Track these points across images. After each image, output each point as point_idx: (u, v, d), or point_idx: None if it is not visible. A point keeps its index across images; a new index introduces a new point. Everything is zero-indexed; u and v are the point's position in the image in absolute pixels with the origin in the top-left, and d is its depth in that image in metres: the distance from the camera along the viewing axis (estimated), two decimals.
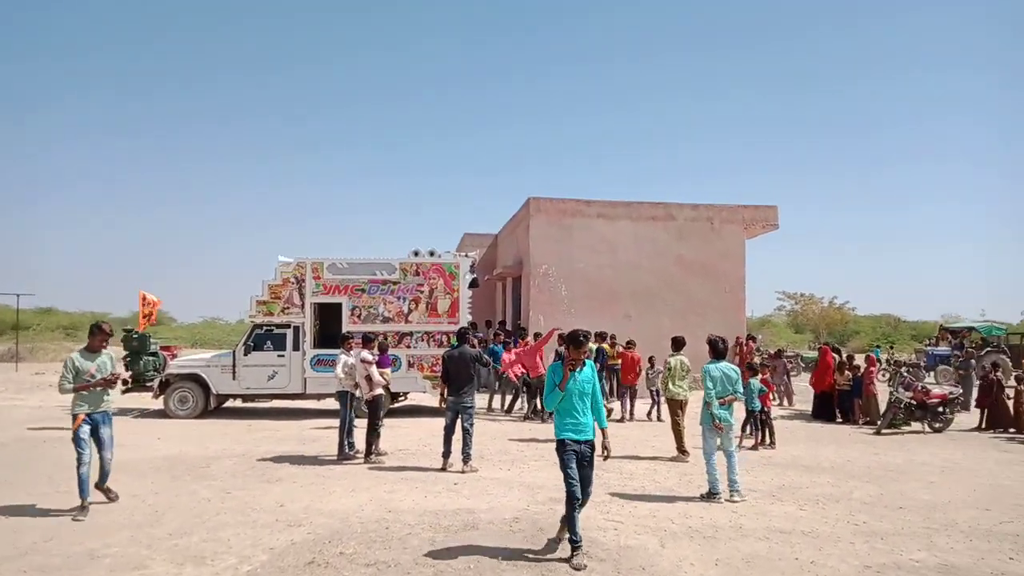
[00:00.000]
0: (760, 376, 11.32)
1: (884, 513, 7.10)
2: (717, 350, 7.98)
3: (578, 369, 5.43)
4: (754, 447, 10.81)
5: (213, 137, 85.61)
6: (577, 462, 5.39)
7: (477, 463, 9.22)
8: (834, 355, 15.24)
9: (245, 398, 13.55)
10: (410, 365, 13.37)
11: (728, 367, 7.78)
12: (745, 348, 18.90)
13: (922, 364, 26.95)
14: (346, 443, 9.40)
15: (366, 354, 9.17)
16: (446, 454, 8.76)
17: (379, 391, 9.19)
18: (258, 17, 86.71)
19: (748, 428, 11.02)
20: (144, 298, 13.90)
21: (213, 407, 13.14)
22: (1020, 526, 6.64)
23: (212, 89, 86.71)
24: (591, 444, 5.47)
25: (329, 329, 13.52)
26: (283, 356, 13.08)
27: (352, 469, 8.77)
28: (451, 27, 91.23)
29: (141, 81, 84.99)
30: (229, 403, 14.14)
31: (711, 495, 7.58)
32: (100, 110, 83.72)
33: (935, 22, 78.74)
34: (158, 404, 13.43)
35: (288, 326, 13.15)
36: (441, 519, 6.47)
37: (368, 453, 9.13)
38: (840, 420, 14.53)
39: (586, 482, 5.44)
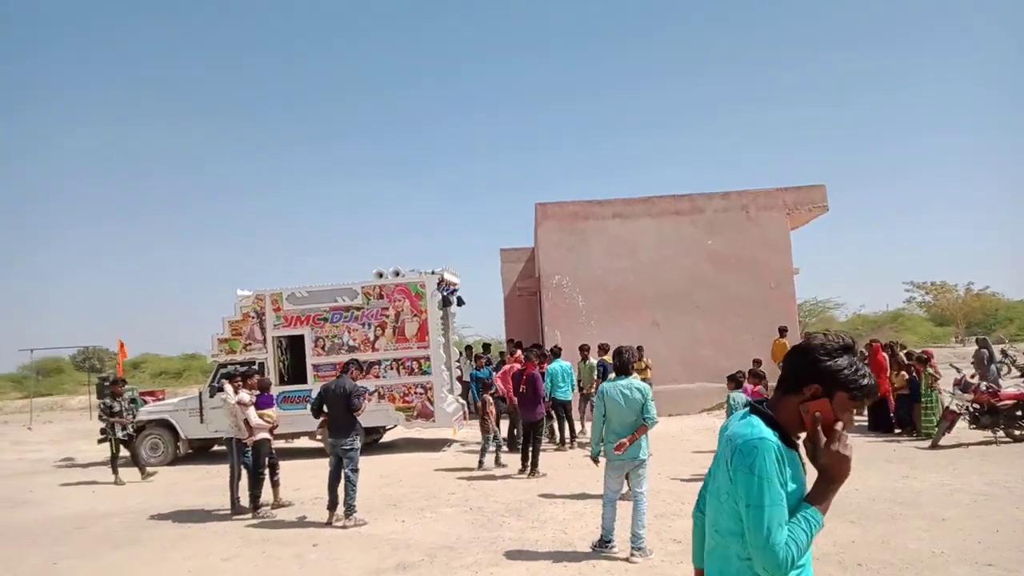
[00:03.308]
0: (749, 386, 9.26)
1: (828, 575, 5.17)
2: (618, 363, 6.30)
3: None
4: None
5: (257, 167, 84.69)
6: None
7: (388, 509, 7.99)
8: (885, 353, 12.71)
9: (220, 442, 12.93)
10: (380, 397, 12.25)
11: (633, 385, 6.06)
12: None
13: None
14: (249, 495, 8.39)
15: (244, 395, 8.14)
16: (331, 505, 7.54)
17: (261, 435, 8.12)
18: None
19: None
20: (121, 344, 13.68)
21: (183, 453, 12.60)
22: None
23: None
24: None
25: (300, 363, 12.71)
26: None
27: (230, 527, 7.72)
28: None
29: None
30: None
31: (603, 544, 6.00)
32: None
33: None
34: None
35: (252, 363, 12.42)
36: None
37: (255, 507, 8.05)
38: (899, 431, 11.99)
39: None
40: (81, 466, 12.94)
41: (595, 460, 6.19)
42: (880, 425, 12.36)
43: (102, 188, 78.59)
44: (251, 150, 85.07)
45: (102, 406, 11.35)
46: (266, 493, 8.38)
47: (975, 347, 14.94)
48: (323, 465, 11.34)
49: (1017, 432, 10.42)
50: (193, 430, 12.49)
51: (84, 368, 51.37)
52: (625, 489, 6.24)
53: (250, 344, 12.55)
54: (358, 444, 7.55)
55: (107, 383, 13.38)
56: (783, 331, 15.66)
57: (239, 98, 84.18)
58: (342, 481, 7.47)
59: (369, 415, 12.21)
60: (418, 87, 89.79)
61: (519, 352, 13.31)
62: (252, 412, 8.06)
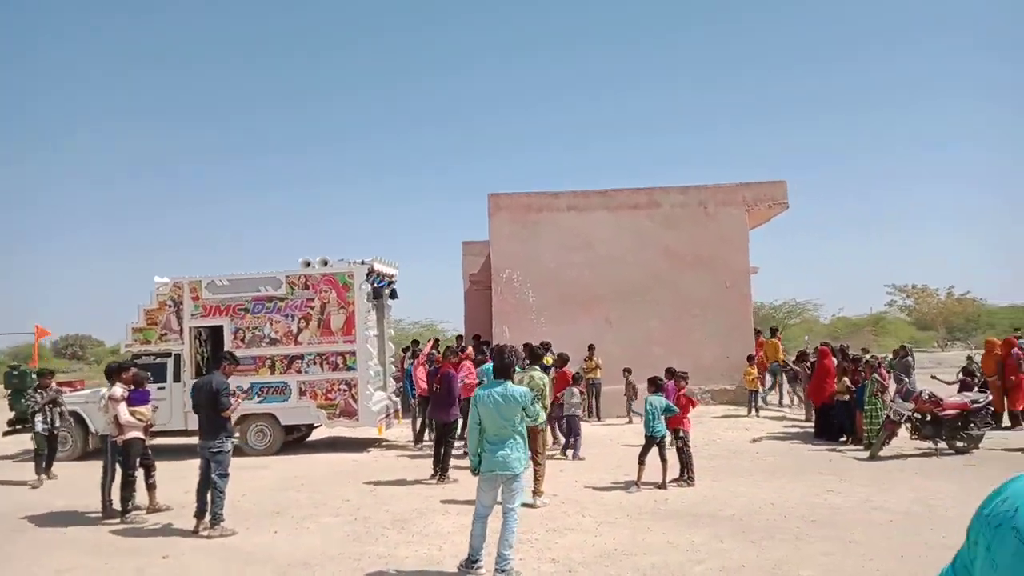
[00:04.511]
0: (674, 391, 8.72)
1: None
2: (498, 365, 5.72)
3: None
4: (661, 485, 8.22)
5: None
6: None
7: (270, 517, 7.39)
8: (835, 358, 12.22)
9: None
10: (302, 393, 11.61)
11: (509, 391, 5.45)
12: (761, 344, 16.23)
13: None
14: (126, 498, 7.75)
15: (116, 389, 7.52)
16: (199, 513, 6.91)
17: (132, 434, 7.50)
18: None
19: (666, 462, 8.40)
20: (38, 331, 12.99)
21: (92, 448, 11.91)
22: None
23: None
24: None
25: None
26: (163, 388, 11.68)
27: (90, 533, 7.11)
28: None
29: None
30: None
31: (469, 563, 5.43)
32: None
33: None
34: None
35: (168, 355, 11.77)
36: None
37: (124, 511, 7.42)
38: (845, 439, 11.48)
39: None
40: None
41: (474, 472, 5.61)
42: (824, 432, 11.85)
43: (124, 182, 78.45)
44: (225, 151, 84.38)
45: (26, 396, 10.53)
46: (142, 496, 7.76)
47: (892, 357, 14.92)
48: (233, 466, 10.77)
49: (959, 443, 9.94)
50: (104, 424, 11.77)
51: (65, 355, 50.54)
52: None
53: (166, 334, 11.88)
54: (228, 447, 6.94)
55: (15, 372, 12.70)
56: (774, 331, 16.48)
57: (241, 97, 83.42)
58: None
59: (289, 412, 11.69)
60: (409, 82, 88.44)
61: (470, 348, 12.81)
62: (123, 408, 7.44)
